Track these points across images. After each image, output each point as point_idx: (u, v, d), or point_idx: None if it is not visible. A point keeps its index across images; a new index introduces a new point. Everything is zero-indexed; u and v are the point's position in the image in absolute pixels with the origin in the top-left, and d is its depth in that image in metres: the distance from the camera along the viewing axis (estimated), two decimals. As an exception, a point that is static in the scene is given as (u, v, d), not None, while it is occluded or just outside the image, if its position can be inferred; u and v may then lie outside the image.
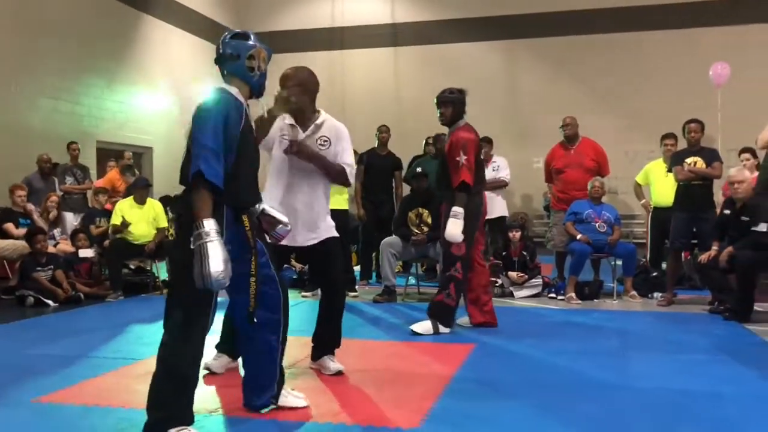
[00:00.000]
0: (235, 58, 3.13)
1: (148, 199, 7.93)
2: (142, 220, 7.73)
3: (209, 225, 2.82)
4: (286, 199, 3.99)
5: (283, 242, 3.53)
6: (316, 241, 4.08)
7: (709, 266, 6.02)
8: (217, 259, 2.77)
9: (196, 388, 3.06)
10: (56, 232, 8.43)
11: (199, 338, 3.04)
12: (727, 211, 6.11)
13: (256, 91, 3.25)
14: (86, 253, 7.69)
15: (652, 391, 3.83)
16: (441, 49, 14.35)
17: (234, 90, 3.11)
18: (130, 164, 10.07)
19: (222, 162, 2.92)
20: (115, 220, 7.61)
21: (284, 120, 4.00)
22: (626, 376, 4.19)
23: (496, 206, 8.40)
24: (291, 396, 3.46)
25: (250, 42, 3.17)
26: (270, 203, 3.45)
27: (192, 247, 2.80)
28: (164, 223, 7.96)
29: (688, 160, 6.66)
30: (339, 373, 4.07)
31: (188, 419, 3.01)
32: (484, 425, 3.29)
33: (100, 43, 11.34)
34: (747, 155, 7.84)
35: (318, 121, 4.13)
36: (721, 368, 4.35)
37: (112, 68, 11.64)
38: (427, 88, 14.18)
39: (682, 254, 7.20)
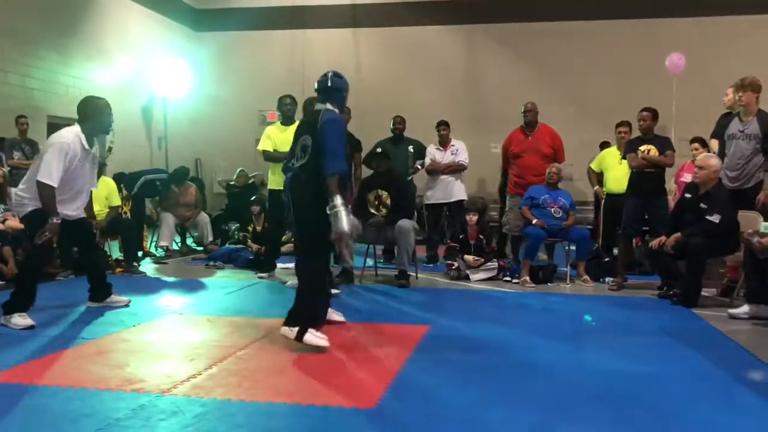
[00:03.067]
0: (338, 91, 4.57)
1: (102, 178, 7.76)
2: (95, 199, 7.57)
3: (339, 200, 4.20)
4: (73, 198, 5.24)
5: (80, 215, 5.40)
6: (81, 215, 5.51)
7: (659, 251, 6.16)
8: (345, 221, 4.20)
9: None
10: (0, 207, 8.18)
11: (326, 271, 4.71)
12: (688, 195, 6.22)
13: (342, 110, 4.62)
14: None
15: (602, 372, 3.93)
16: (401, 32, 14.31)
17: (336, 111, 4.48)
18: None
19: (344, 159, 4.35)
20: None
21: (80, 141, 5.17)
22: (577, 357, 4.27)
23: (455, 190, 8.48)
24: (334, 313, 5.01)
25: (345, 80, 4.67)
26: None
27: (328, 212, 4.18)
28: (117, 202, 7.81)
29: (642, 147, 6.78)
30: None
31: (319, 321, 4.48)
32: (439, 405, 3.32)
33: (54, 16, 10.99)
34: (696, 144, 8.01)
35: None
36: (669, 351, 4.48)
37: (66, 42, 11.30)
38: (387, 70, 14.33)
39: (634, 240, 7.36)
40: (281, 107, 7.41)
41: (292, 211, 4.46)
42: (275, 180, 7.20)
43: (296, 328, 4.27)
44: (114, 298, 5.69)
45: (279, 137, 7.19)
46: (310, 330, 4.27)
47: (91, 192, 5.75)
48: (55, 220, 4.91)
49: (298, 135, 4.57)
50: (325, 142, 4.25)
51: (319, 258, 4.48)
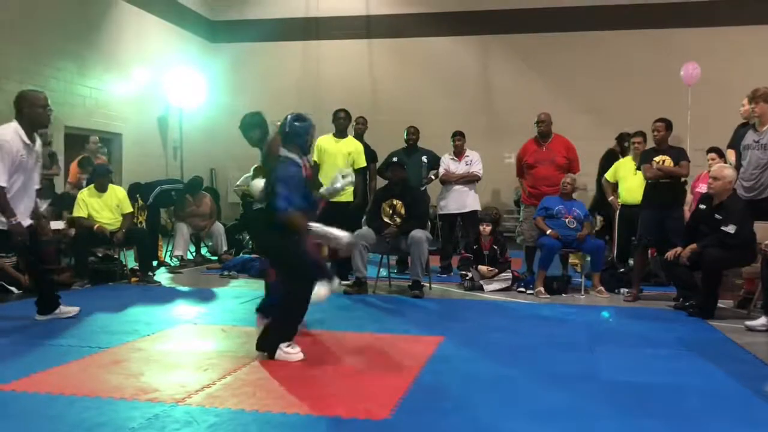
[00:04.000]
0: (297, 136, 4.52)
1: (110, 186, 7.81)
2: (105, 207, 7.63)
3: (314, 225, 4.47)
4: (21, 195, 5.20)
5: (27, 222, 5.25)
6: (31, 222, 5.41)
7: (674, 262, 6.12)
8: (339, 233, 4.55)
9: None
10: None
11: (306, 296, 4.43)
12: (702, 206, 6.18)
13: (306, 152, 4.66)
14: (58, 224, 7.67)
15: (617, 384, 3.90)
16: (415, 43, 14.36)
17: (294, 155, 4.47)
18: (88, 156, 9.87)
19: (297, 198, 4.34)
20: (78, 212, 7.54)
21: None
22: (592, 369, 4.24)
23: (469, 200, 8.47)
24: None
25: (307, 123, 4.57)
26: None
27: (319, 239, 4.57)
28: (129, 209, 7.83)
29: (656, 158, 6.76)
30: None
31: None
32: (452, 416, 3.31)
33: (71, 27, 11.13)
34: (713, 155, 7.97)
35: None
36: (685, 363, 4.44)
37: (83, 53, 11.44)
38: (401, 80, 14.37)
39: (649, 251, 7.31)
40: (335, 121, 7.80)
41: (261, 249, 4.73)
42: None
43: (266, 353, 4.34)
44: (63, 309, 5.52)
45: (331, 148, 7.61)
46: (281, 346, 4.30)
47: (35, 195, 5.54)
48: (14, 221, 4.99)
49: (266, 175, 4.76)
50: (275, 186, 4.33)
51: (299, 282, 4.39)
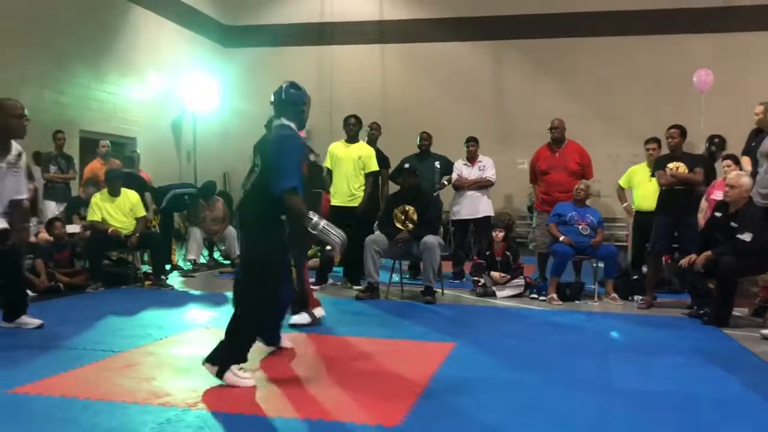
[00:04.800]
0: (294, 104, 4.17)
1: (123, 190, 7.86)
2: (118, 211, 7.68)
3: (315, 216, 3.89)
4: None
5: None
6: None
7: (689, 270, 6.07)
8: (335, 232, 3.91)
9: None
10: (34, 220, 8.35)
11: (271, 299, 4.04)
12: (718, 214, 6.14)
13: (302, 126, 4.27)
14: (74, 228, 7.72)
15: (631, 392, 3.87)
16: (427, 48, 14.37)
17: (293, 126, 4.10)
18: (123, 154, 9.99)
19: (300, 176, 3.94)
20: (92, 215, 7.58)
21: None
22: (606, 377, 4.22)
23: (482, 206, 8.46)
24: (287, 340, 4.65)
25: (302, 92, 4.24)
26: None
27: (314, 231, 3.87)
28: (142, 213, 7.88)
29: (671, 165, 6.72)
30: None
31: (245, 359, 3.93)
32: (464, 423, 3.30)
33: (86, 33, 11.22)
34: (728, 161, 7.89)
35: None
36: (700, 371, 4.40)
37: (99, 58, 11.53)
38: (414, 85, 14.38)
39: (663, 258, 7.26)
40: (345, 126, 7.88)
41: (240, 231, 4.24)
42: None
43: (216, 367, 3.82)
44: (25, 319, 5.30)
45: (341, 153, 7.74)
46: (233, 368, 3.82)
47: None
48: None
49: (253, 155, 4.27)
50: (272, 161, 3.92)
51: (262, 283, 3.94)
